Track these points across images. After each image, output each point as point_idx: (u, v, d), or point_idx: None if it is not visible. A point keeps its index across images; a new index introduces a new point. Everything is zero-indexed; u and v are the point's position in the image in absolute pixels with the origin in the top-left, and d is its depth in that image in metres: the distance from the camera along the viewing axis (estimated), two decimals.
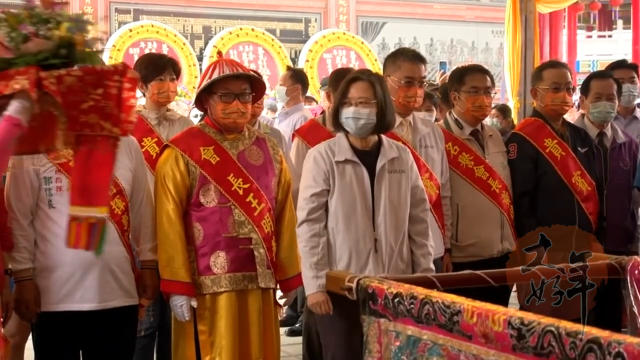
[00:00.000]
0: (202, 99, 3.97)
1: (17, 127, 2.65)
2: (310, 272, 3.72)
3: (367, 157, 3.82)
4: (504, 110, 8.89)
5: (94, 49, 2.79)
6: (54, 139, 2.84)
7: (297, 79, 7.22)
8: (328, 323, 3.76)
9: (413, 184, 3.88)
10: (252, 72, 4.13)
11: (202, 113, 4.52)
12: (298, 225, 3.79)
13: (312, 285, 3.72)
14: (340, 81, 3.95)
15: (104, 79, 2.70)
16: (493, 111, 8.10)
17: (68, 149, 2.90)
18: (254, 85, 3.99)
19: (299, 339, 5.41)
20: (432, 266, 3.88)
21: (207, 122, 3.99)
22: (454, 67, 8.71)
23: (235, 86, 3.88)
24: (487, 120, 6.17)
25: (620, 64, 5.81)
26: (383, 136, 3.89)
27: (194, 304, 3.82)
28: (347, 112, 3.77)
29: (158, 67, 4.75)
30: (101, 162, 2.73)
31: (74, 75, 2.65)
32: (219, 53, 4.49)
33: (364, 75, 3.84)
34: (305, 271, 3.76)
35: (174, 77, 4.82)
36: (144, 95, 4.81)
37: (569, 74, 4.86)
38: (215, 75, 3.86)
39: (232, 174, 3.87)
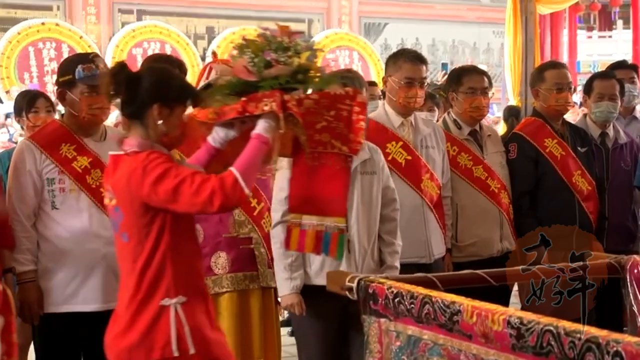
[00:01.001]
0: None
1: (265, 145, 2.83)
2: (284, 273, 3.73)
3: None
4: (510, 117, 8.54)
5: (326, 75, 3.00)
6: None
7: None
8: (303, 323, 3.80)
9: (384, 185, 3.90)
10: None
11: None
12: (273, 227, 3.77)
13: (285, 287, 3.74)
14: None
15: (336, 102, 2.91)
16: (492, 118, 7.66)
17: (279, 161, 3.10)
18: None
19: None
20: (397, 264, 3.88)
21: None
22: None
23: None
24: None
25: (620, 65, 5.83)
26: None
27: None
28: None
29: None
30: (334, 176, 2.92)
31: (312, 99, 2.87)
32: (214, 54, 4.52)
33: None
34: (279, 272, 3.76)
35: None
36: None
37: (569, 73, 4.89)
38: (212, 76, 3.87)
39: None
